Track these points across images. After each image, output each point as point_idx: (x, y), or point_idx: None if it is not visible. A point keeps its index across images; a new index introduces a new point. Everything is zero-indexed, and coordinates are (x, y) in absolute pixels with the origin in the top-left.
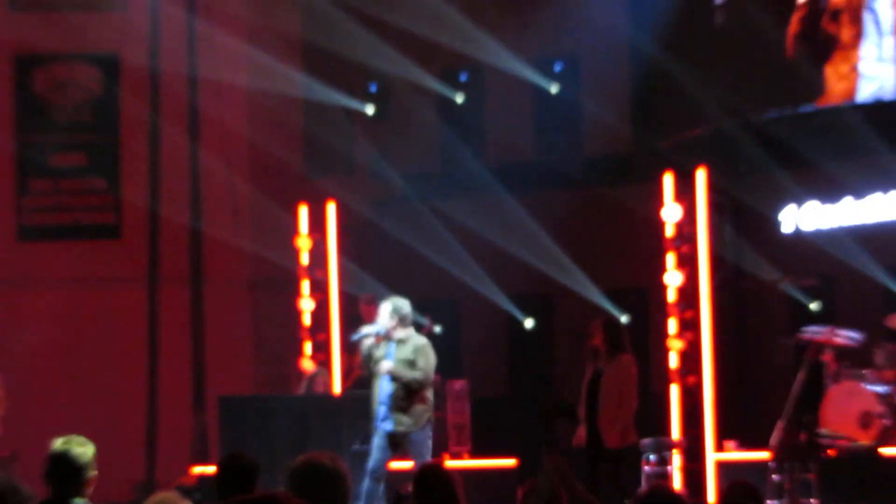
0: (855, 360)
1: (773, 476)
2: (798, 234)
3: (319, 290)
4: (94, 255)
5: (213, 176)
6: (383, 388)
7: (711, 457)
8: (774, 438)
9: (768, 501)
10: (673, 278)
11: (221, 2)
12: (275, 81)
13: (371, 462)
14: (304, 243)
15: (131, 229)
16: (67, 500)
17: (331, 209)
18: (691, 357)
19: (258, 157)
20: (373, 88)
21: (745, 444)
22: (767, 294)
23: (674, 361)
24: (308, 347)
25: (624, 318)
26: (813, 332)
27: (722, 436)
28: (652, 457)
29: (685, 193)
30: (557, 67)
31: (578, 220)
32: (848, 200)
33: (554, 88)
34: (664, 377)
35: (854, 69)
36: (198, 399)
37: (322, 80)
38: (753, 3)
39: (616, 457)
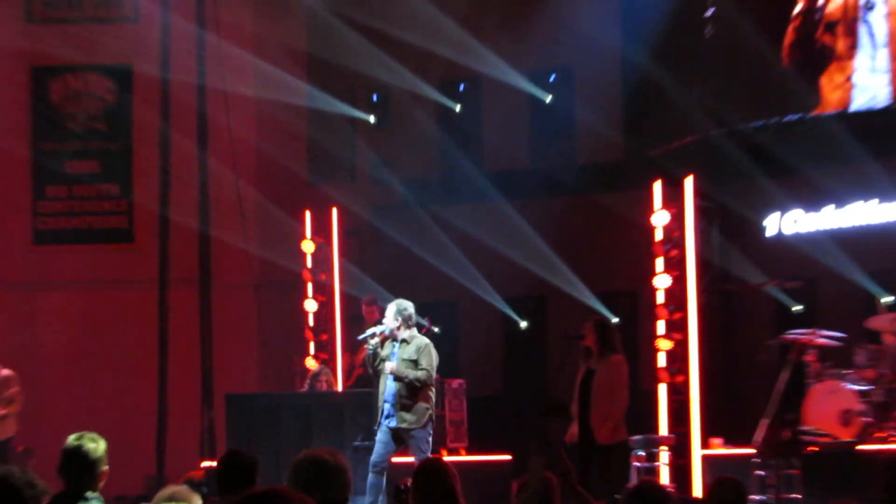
0: (836, 360)
1: (758, 471)
2: (782, 239)
3: (322, 292)
4: (107, 258)
5: (221, 182)
6: (388, 387)
7: (698, 453)
8: (759, 435)
9: (752, 496)
10: (662, 281)
11: (230, 15)
12: (281, 92)
13: (374, 455)
14: (308, 247)
15: (143, 233)
16: (81, 494)
17: (334, 214)
18: (679, 357)
19: (264, 164)
20: (374, 98)
21: (731, 441)
22: (752, 296)
23: (662, 361)
24: (311, 347)
25: (615, 320)
26: (796, 333)
27: (708, 433)
28: (641, 452)
29: (674, 200)
30: (552, 78)
31: (572, 226)
32: (830, 207)
33: (548, 99)
34: (653, 376)
35: (848, 79)
36: (206, 396)
37: (326, 91)
38: (741, 16)
39: (607, 452)
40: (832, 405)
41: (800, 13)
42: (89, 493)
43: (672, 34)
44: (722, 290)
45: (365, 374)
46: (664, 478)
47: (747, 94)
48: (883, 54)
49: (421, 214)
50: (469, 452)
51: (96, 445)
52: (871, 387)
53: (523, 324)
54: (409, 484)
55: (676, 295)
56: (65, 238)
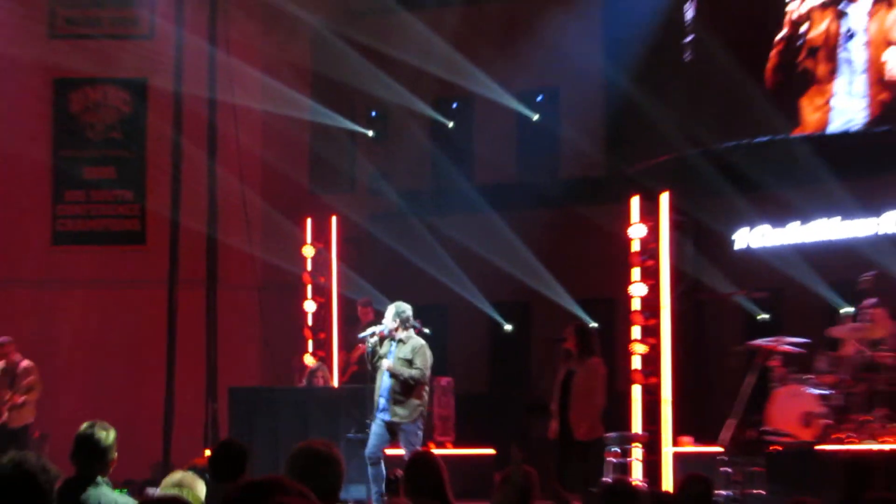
0: (799, 366)
1: (724, 468)
2: (750, 252)
3: (321, 294)
4: (121, 259)
5: (228, 189)
6: (384, 383)
7: (668, 450)
8: (725, 434)
9: (719, 491)
10: (638, 289)
11: (240, 34)
12: (285, 106)
13: (368, 448)
14: (308, 252)
15: (154, 236)
16: (92, 479)
17: (333, 222)
18: (652, 360)
19: (269, 173)
20: (373, 114)
21: (699, 439)
22: (722, 305)
23: (637, 364)
24: (310, 345)
25: (594, 325)
26: (762, 340)
27: (678, 431)
28: (616, 449)
29: (650, 214)
30: (539, 98)
31: (555, 236)
32: (795, 223)
33: (535, 117)
34: (628, 378)
35: (827, 102)
36: (210, 389)
37: (328, 106)
38: (717, 42)
39: (584, 448)
40: (794, 408)
41: (783, 38)
42: (100, 478)
43: (651, 59)
44: (694, 299)
45: (359, 371)
46: (637, 473)
47: (721, 117)
48: (861, 80)
49: (414, 223)
50: (455, 446)
51: (107, 433)
52: (830, 391)
53: (508, 327)
54: (399, 475)
55: (651, 302)
56: (82, 239)
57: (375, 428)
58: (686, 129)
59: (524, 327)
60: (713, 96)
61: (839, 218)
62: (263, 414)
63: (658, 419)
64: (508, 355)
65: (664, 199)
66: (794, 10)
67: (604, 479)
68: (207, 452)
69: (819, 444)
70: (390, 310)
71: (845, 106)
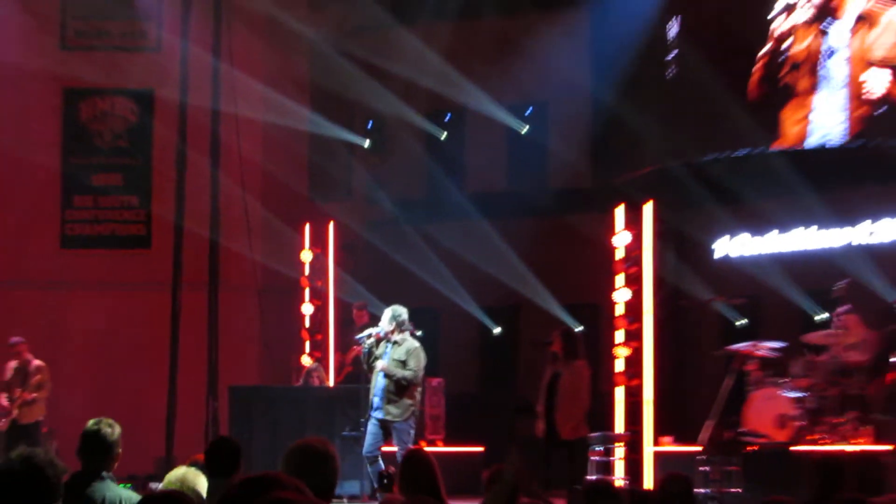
0: (774, 370)
1: (702, 467)
2: (729, 261)
3: (318, 297)
4: (127, 262)
5: (230, 196)
6: (378, 382)
7: (649, 449)
8: (704, 435)
9: (697, 489)
10: (622, 295)
11: (243, 48)
12: (286, 117)
13: (365, 447)
14: (306, 256)
15: (159, 240)
16: (97, 473)
17: (330, 228)
18: (635, 363)
19: (269, 181)
20: (369, 125)
21: (679, 439)
22: (702, 311)
23: (620, 366)
24: (307, 346)
25: (579, 329)
26: (739, 345)
27: (659, 431)
28: (599, 448)
29: (634, 223)
30: (528, 111)
31: (542, 243)
32: (773, 233)
33: (525, 129)
34: (611, 380)
35: (806, 116)
36: (211, 388)
37: (326, 117)
38: (699, 60)
39: (569, 447)
40: (770, 410)
41: (767, 53)
42: (105, 473)
43: (636, 75)
44: (675, 305)
45: (353, 371)
46: (619, 471)
47: (702, 131)
48: (841, 95)
49: (408, 230)
50: (445, 444)
51: (112, 430)
52: (805, 394)
53: (497, 330)
54: (391, 472)
55: (634, 308)
56: (89, 243)
57: (371, 427)
58: (669, 142)
59: (512, 331)
60: (695, 111)
61: (815, 228)
62: (262, 412)
63: (640, 420)
64: (497, 357)
65: (648, 209)
66: (778, 26)
67: (587, 476)
68: None
69: (793, 444)
70: (387, 313)
71: (824, 121)
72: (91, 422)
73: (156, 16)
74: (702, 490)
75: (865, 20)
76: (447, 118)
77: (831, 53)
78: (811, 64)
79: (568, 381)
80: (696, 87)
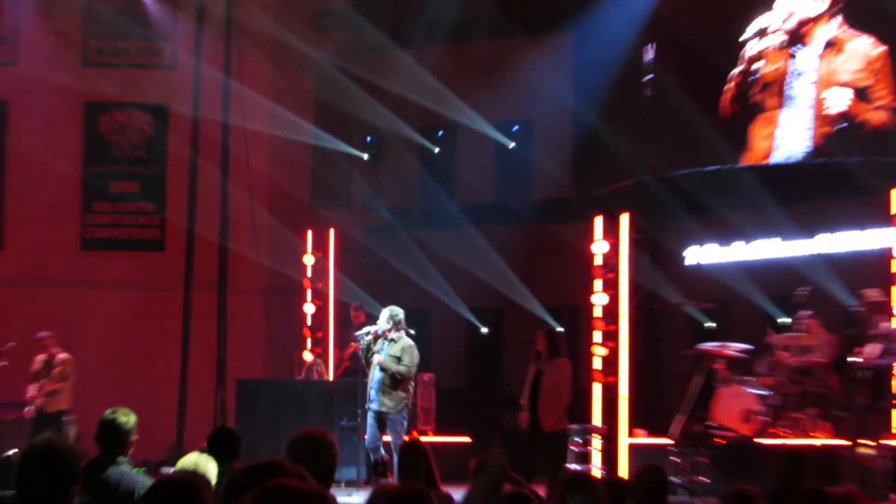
0: (741, 369)
1: (673, 458)
2: (699, 268)
3: (319, 298)
4: (142, 263)
5: (239, 204)
6: (375, 376)
7: (624, 441)
8: (675, 428)
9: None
10: (600, 298)
11: (251, 66)
12: (291, 131)
13: (367, 440)
14: (308, 260)
15: (172, 244)
16: (114, 459)
17: (331, 234)
18: (611, 361)
19: (275, 190)
20: (368, 139)
21: (652, 432)
22: (673, 314)
23: (597, 364)
24: (308, 342)
25: (560, 329)
26: (708, 345)
27: (633, 424)
28: (578, 439)
29: (612, 232)
30: (515, 128)
31: (527, 250)
32: (740, 243)
33: (511, 145)
34: (590, 376)
35: (773, 133)
36: (220, 381)
37: (328, 131)
38: (672, 81)
39: (551, 438)
40: (736, 405)
41: (740, 73)
42: (121, 458)
43: (615, 95)
44: (649, 308)
45: (351, 366)
46: (596, 461)
47: (675, 147)
48: (807, 115)
49: (403, 236)
50: (436, 434)
51: (128, 419)
52: (768, 392)
53: (484, 329)
54: (385, 459)
55: (611, 310)
56: (108, 246)
57: (370, 420)
58: (644, 157)
59: (498, 330)
60: (669, 129)
61: (779, 239)
62: (266, 403)
63: (615, 413)
64: (484, 355)
65: (624, 219)
66: (750, 48)
67: (567, 466)
68: None
69: (757, 438)
70: (385, 313)
71: (789, 138)
72: (108, 411)
73: (171, 36)
74: (672, 479)
75: (833, 46)
76: (440, 134)
77: (799, 75)
78: (780, 84)
79: (551, 377)
80: (670, 107)
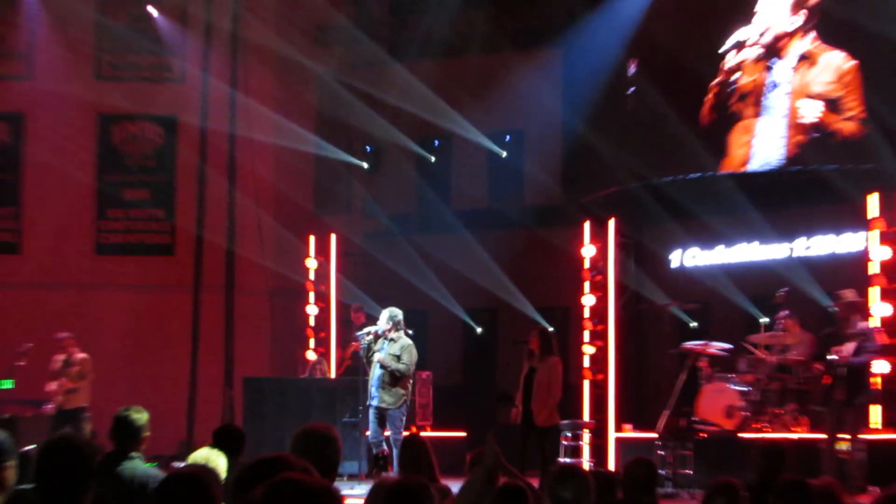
0: (723, 366)
1: (659, 451)
2: (683, 270)
3: (321, 299)
4: (154, 267)
5: (245, 210)
6: (376, 374)
7: (613, 435)
8: (660, 423)
9: None
10: (588, 300)
11: (256, 80)
12: (294, 141)
13: (370, 436)
14: (311, 264)
15: (182, 248)
16: (127, 454)
17: (332, 239)
18: (600, 360)
19: (279, 197)
20: (368, 149)
21: (638, 427)
22: (659, 314)
23: (587, 362)
24: (311, 342)
25: (551, 329)
26: (692, 344)
27: (621, 420)
28: (568, 434)
29: (600, 236)
30: (507, 138)
31: (519, 254)
32: (721, 246)
33: (504, 154)
34: (579, 374)
35: (750, 142)
36: (227, 379)
37: (329, 142)
38: (656, 92)
39: (543, 432)
40: (719, 401)
41: (718, 83)
42: (134, 454)
43: (602, 106)
44: (635, 309)
45: (352, 364)
46: (586, 454)
47: (659, 156)
48: (781, 124)
49: (401, 241)
50: (433, 429)
51: (140, 416)
52: (749, 388)
53: (479, 329)
54: (385, 453)
55: (599, 311)
56: (121, 250)
57: (371, 417)
58: (630, 165)
59: (492, 330)
60: (653, 138)
61: (758, 243)
62: (272, 400)
63: (604, 409)
64: (478, 353)
65: (611, 224)
66: (729, 61)
67: (559, 459)
68: None
69: (739, 432)
70: (385, 314)
71: (765, 146)
72: (122, 408)
73: (180, 51)
74: (659, 471)
75: (807, 59)
76: (435, 143)
77: (774, 87)
78: (756, 95)
79: (543, 374)
80: (654, 118)
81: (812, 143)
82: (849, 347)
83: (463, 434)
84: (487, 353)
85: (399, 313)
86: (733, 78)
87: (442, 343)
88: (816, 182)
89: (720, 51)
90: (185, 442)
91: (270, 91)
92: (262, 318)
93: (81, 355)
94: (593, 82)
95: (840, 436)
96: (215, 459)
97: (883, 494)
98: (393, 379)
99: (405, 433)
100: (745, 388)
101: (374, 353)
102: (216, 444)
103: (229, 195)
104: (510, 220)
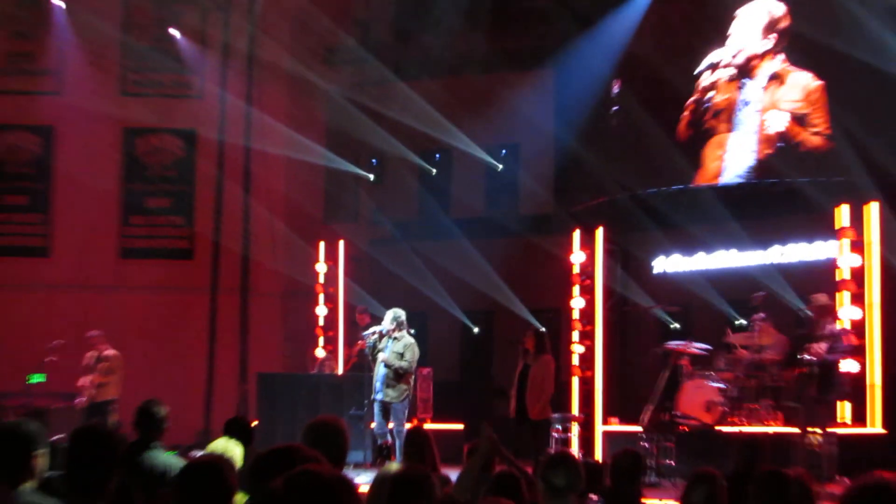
0: (703, 365)
1: (643, 443)
2: (666, 275)
3: (330, 301)
4: (174, 270)
5: (259, 218)
6: (380, 370)
7: (600, 428)
8: (644, 417)
9: None
10: (577, 302)
11: (270, 96)
12: (305, 153)
13: (375, 428)
14: (320, 268)
15: (200, 253)
16: (149, 443)
17: (341, 245)
18: (588, 358)
19: (291, 205)
20: (374, 161)
21: (624, 420)
22: (643, 316)
23: (576, 360)
24: (320, 341)
25: (543, 329)
26: (674, 343)
27: (608, 413)
28: (559, 426)
29: (588, 244)
30: (503, 152)
31: (514, 259)
32: (701, 253)
33: (500, 166)
34: (569, 371)
35: (722, 156)
36: (242, 374)
37: (338, 154)
38: (641, 109)
39: (536, 425)
40: (699, 397)
41: (693, 101)
42: (155, 443)
43: (592, 122)
44: (621, 311)
45: (358, 362)
46: (575, 445)
47: (644, 169)
48: (752, 139)
49: (404, 247)
50: (433, 422)
51: (161, 408)
52: (727, 385)
53: (476, 329)
54: (388, 443)
55: (588, 313)
56: (143, 255)
57: (376, 410)
58: (617, 178)
59: (488, 330)
60: (637, 153)
61: (735, 250)
62: (284, 394)
63: (592, 404)
64: (475, 352)
65: (599, 232)
66: (704, 80)
67: (549, 449)
68: None
69: (718, 426)
70: (389, 314)
71: (736, 160)
72: (144, 401)
73: (199, 70)
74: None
75: (776, 79)
76: (436, 156)
77: (746, 104)
78: (729, 112)
79: (537, 371)
80: (637, 133)
81: (778, 152)
82: (820, 347)
83: (461, 426)
84: (484, 351)
85: (402, 314)
86: (708, 96)
87: (441, 342)
88: (790, 194)
89: (696, 71)
90: (203, 432)
91: (283, 107)
92: (275, 319)
93: (110, 352)
94: (583, 101)
95: (811, 429)
96: (232, 449)
97: (853, 485)
98: (396, 375)
99: (408, 425)
100: (723, 385)
101: (378, 351)
102: (227, 433)
103: (244, 204)
104: (505, 228)
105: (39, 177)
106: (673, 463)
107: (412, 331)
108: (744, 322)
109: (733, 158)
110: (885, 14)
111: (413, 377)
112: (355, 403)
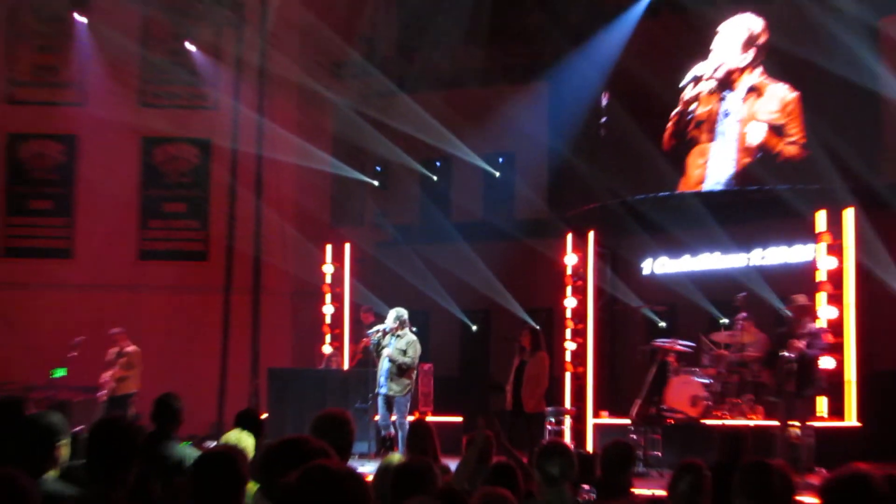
0: (688, 361)
1: (632, 435)
2: (653, 277)
3: (337, 300)
4: (189, 271)
5: (270, 222)
6: (384, 366)
7: (591, 421)
8: (633, 410)
9: None
10: (570, 302)
11: (280, 107)
12: (313, 161)
13: (379, 420)
14: (328, 269)
15: (215, 255)
16: (166, 435)
17: (347, 248)
18: (580, 355)
19: (300, 210)
20: (378, 169)
21: (613, 413)
22: (632, 315)
23: (568, 357)
24: (327, 338)
25: (537, 327)
26: (661, 341)
27: (598, 407)
28: (552, 419)
29: (580, 247)
30: (500, 160)
31: (510, 261)
32: (687, 256)
33: (497, 174)
34: (562, 367)
35: (705, 164)
36: (254, 369)
37: (344, 162)
38: (630, 119)
39: (530, 418)
40: (685, 392)
41: (677, 113)
42: (171, 434)
43: (583, 133)
44: (611, 310)
45: (363, 358)
46: (567, 437)
47: (633, 176)
48: (732, 148)
49: (407, 250)
50: (433, 414)
51: (177, 401)
52: (711, 380)
53: (474, 327)
54: (391, 435)
55: (580, 312)
56: (161, 256)
57: (380, 403)
58: (607, 185)
59: (486, 328)
60: (627, 161)
61: (719, 253)
62: (293, 388)
63: (583, 398)
64: (474, 348)
65: (591, 236)
66: (687, 93)
67: (543, 440)
68: None
69: (702, 419)
70: (392, 313)
71: (717, 168)
72: (161, 395)
73: (214, 82)
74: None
75: (755, 91)
76: (437, 164)
77: (726, 115)
78: (711, 123)
79: (533, 367)
80: (628, 143)
81: (757, 161)
82: (800, 345)
83: (460, 419)
84: (481, 348)
85: (405, 313)
86: (691, 108)
87: (442, 339)
88: (771, 200)
89: (680, 85)
90: (216, 424)
91: (293, 118)
92: (285, 317)
93: (131, 348)
94: (576, 112)
95: (791, 423)
96: (244, 440)
97: (831, 476)
98: (399, 370)
99: (410, 418)
100: (707, 381)
101: (382, 347)
102: (239, 425)
103: (256, 208)
104: (502, 232)
105: (63, 183)
106: (660, 454)
107: (414, 329)
108: (727, 321)
109: (715, 166)
110: (857, 28)
111: (415, 372)
112: (360, 397)
